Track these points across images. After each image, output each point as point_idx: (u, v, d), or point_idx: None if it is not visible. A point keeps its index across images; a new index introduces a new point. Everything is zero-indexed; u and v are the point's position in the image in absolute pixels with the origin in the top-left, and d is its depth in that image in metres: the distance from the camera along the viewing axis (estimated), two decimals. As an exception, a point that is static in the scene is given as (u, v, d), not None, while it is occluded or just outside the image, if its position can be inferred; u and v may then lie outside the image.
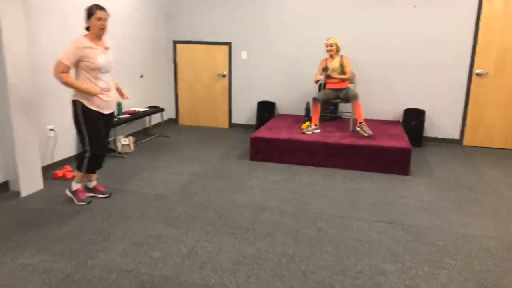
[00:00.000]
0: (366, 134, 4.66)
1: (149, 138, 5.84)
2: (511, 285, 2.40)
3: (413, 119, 5.57)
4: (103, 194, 3.60)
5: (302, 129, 5.06)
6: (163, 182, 4.03)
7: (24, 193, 3.62)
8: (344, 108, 5.98)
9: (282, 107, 6.35)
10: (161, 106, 6.56)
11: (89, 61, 3.13)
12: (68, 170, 4.12)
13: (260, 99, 6.40)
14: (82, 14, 4.54)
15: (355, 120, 4.96)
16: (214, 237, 2.93)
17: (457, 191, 3.92)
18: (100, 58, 3.18)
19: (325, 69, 4.93)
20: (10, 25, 3.34)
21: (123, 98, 3.58)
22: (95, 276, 2.42)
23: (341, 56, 4.93)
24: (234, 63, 6.37)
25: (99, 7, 3.14)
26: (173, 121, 6.90)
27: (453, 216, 3.37)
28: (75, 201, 3.47)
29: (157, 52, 6.34)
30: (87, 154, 3.33)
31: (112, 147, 4.92)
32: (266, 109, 6.19)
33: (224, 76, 6.45)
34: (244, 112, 6.53)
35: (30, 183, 3.67)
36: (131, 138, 5.14)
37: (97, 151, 3.33)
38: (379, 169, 4.45)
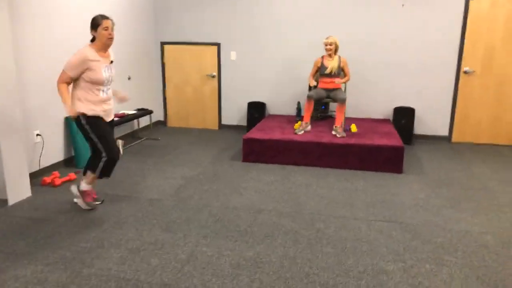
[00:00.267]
0: (339, 136, 4.74)
1: (138, 141, 5.73)
2: (510, 279, 2.42)
3: (403, 117, 5.62)
4: (96, 200, 3.50)
5: (294, 129, 5.04)
6: (156, 186, 3.95)
7: (11, 201, 3.49)
8: (335, 107, 5.98)
9: (273, 108, 6.32)
10: (149, 108, 6.45)
11: (92, 74, 3.05)
12: (56, 177, 4.00)
13: (250, 100, 6.36)
14: (68, 20, 4.43)
15: (344, 120, 4.98)
16: (212, 241, 2.87)
17: (448, 188, 3.96)
18: (104, 72, 3.11)
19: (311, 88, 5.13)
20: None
21: (125, 100, 3.46)
22: (92, 286, 2.33)
23: (339, 57, 4.92)
24: (223, 63, 6.32)
25: (104, 17, 3.05)
26: (162, 123, 6.80)
27: (447, 212, 3.39)
28: (80, 201, 3.37)
29: (144, 53, 6.23)
30: (104, 158, 3.23)
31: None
32: (256, 110, 6.15)
33: (213, 77, 6.39)
34: (234, 113, 6.48)
35: (17, 190, 3.54)
36: (120, 141, 5.01)
37: (113, 155, 3.23)
38: (372, 167, 4.47)
